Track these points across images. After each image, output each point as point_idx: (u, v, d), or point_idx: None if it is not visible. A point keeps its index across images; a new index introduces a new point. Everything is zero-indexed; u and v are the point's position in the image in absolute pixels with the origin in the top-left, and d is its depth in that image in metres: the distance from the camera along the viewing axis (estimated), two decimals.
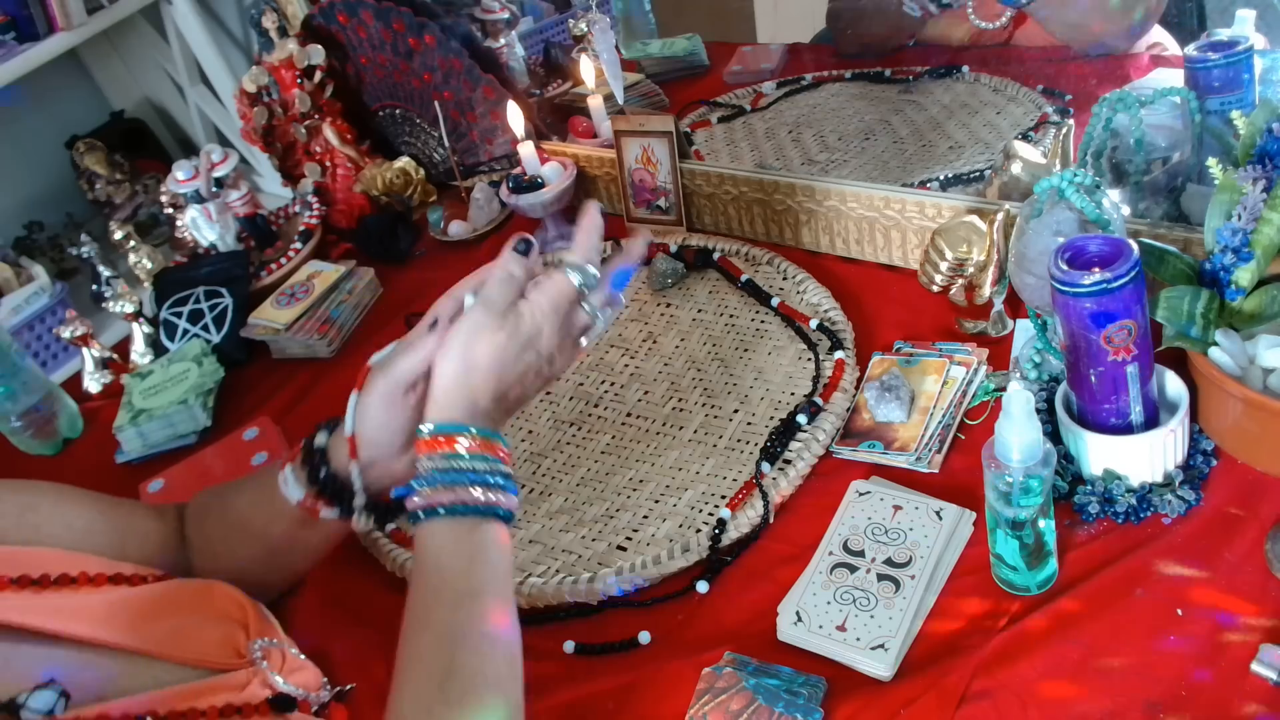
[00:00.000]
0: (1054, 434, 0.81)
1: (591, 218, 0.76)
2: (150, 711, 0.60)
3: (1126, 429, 0.76)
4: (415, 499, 0.66)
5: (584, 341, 0.75)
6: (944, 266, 0.94)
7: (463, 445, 0.67)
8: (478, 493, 0.66)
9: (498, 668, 0.62)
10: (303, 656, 0.74)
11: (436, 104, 1.41)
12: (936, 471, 0.85)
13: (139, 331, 1.29)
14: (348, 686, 0.75)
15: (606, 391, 1.05)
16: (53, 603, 0.65)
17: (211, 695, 0.64)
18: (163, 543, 0.80)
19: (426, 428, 0.68)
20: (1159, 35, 1.19)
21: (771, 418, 0.94)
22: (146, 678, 0.64)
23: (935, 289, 0.97)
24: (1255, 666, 0.64)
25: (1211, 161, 0.79)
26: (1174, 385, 0.79)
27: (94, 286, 1.32)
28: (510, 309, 0.70)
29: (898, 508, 0.80)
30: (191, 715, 0.61)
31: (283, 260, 1.36)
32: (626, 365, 1.07)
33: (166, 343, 1.27)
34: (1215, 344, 0.76)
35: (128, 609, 0.68)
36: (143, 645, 0.65)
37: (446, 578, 0.65)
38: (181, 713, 0.61)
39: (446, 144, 1.43)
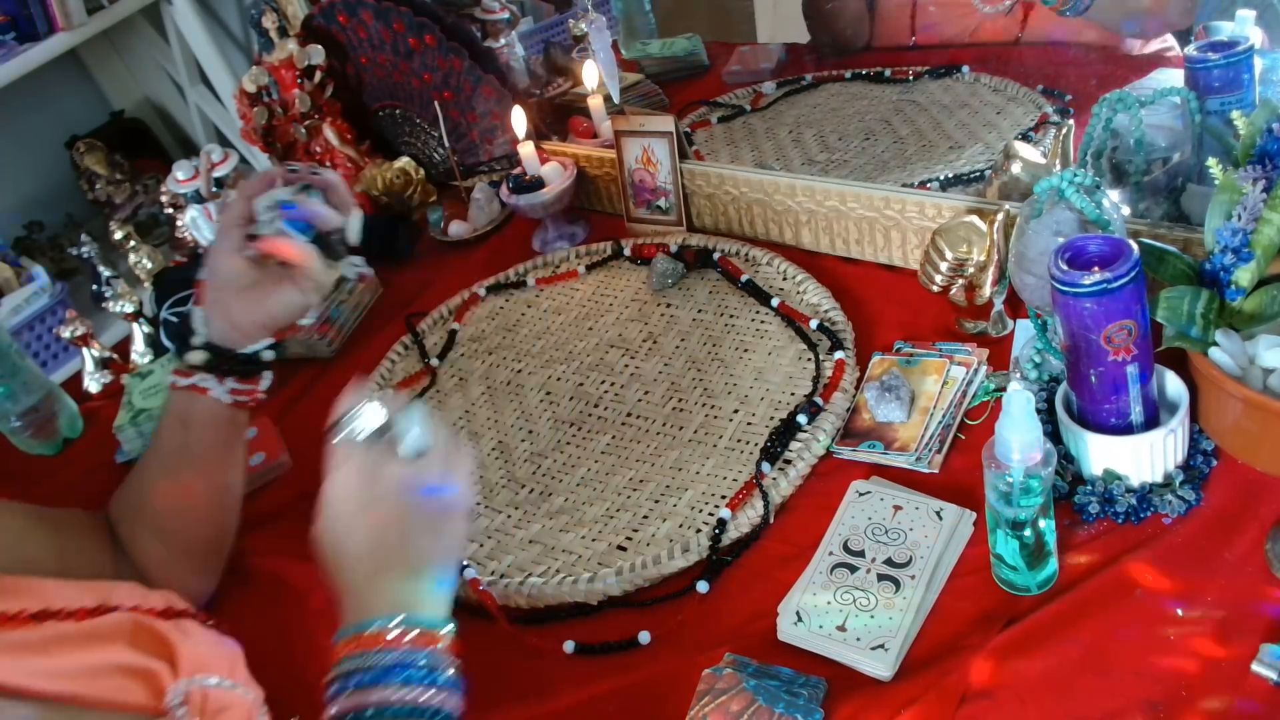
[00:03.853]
0: (1054, 434, 0.81)
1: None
2: None
3: (1127, 429, 0.76)
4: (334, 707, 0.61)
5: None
6: (944, 266, 0.94)
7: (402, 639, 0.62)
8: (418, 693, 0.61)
9: None
10: (236, 687, 0.69)
11: (436, 104, 1.41)
12: (936, 471, 0.85)
13: (139, 331, 1.29)
14: (293, 718, 0.72)
15: (606, 391, 1.05)
16: None
17: None
18: (101, 546, 0.81)
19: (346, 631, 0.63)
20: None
21: (771, 418, 0.94)
22: None
23: (935, 289, 0.97)
24: (1255, 666, 0.64)
25: (1211, 161, 0.79)
26: (1174, 385, 0.79)
27: (94, 286, 1.32)
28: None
29: (898, 508, 0.80)
30: None
31: None
32: (626, 365, 1.07)
33: (166, 343, 1.27)
34: (1215, 344, 0.76)
35: (47, 650, 0.64)
36: (58, 689, 0.61)
37: None
38: None
39: (446, 144, 1.43)
